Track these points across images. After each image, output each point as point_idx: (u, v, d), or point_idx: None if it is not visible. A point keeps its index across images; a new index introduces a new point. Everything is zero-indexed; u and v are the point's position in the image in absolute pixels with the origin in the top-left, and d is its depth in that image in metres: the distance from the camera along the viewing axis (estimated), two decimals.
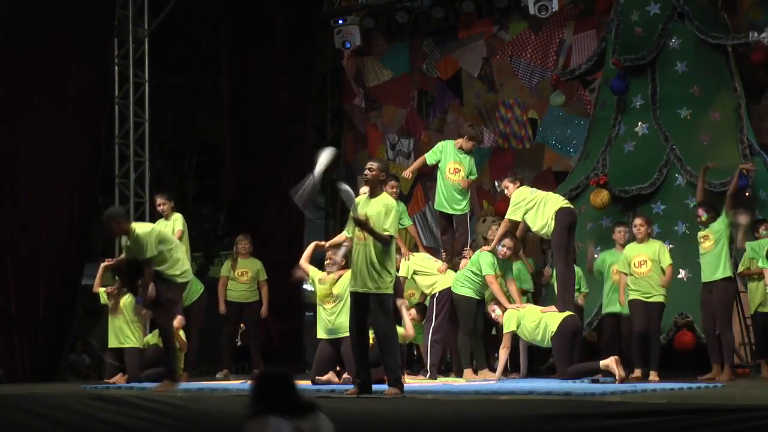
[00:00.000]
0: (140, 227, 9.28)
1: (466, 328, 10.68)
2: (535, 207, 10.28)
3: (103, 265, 11.25)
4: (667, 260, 10.23)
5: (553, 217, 10.09)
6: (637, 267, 10.21)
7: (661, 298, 10.23)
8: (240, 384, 10.20)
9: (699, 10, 12.15)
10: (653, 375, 10.01)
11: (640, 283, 10.20)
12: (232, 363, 12.80)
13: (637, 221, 10.37)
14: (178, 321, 11.21)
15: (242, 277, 12.32)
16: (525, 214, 10.31)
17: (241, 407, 7.99)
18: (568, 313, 9.94)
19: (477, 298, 10.71)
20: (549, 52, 14.52)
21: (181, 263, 9.43)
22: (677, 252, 11.35)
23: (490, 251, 10.52)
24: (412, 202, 15.37)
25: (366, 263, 8.07)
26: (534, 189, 10.54)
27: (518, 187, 10.45)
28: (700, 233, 10.32)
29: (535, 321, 10.00)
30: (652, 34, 12.17)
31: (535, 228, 10.34)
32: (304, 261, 9.97)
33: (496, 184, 13.14)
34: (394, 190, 10.43)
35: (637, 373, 10.01)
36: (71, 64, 11.91)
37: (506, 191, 10.59)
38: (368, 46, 15.74)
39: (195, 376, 11.83)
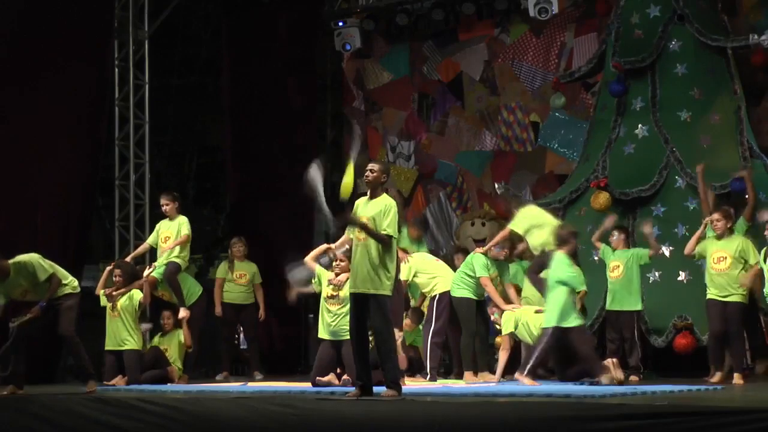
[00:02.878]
0: (19, 258, 9.50)
1: (470, 329, 10.67)
2: (541, 228, 10.30)
3: (108, 268, 11.25)
4: (750, 257, 9.93)
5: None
6: (715, 263, 10.00)
7: (739, 297, 9.97)
8: (240, 386, 10.20)
9: (699, 12, 12.14)
10: (738, 378, 9.83)
11: (717, 281, 10.00)
12: (231, 365, 12.80)
13: (715, 216, 10.15)
14: (182, 313, 11.23)
15: (240, 279, 12.35)
16: (528, 229, 10.33)
17: (241, 409, 8.01)
18: None
19: (476, 298, 10.72)
20: (550, 55, 14.50)
21: (68, 277, 9.71)
22: (677, 254, 11.34)
23: (483, 253, 10.52)
24: (412, 204, 15.37)
25: (365, 264, 8.05)
26: (545, 212, 10.59)
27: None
28: (716, 249, 10.16)
29: (533, 322, 10.00)
30: (652, 37, 12.16)
31: (531, 242, 10.38)
32: (309, 259, 9.95)
33: (497, 186, 13.15)
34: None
35: (717, 377, 9.91)
36: (71, 65, 11.91)
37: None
38: (368, 48, 15.73)
39: (195, 378, 11.82)
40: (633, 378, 10.32)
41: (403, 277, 10.73)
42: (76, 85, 11.96)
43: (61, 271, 9.73)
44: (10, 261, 9.47)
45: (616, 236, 10.83)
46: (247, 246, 12.44)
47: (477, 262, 10.66)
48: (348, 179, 8.25)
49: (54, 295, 9.51)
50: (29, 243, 11.45)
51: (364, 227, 8.08)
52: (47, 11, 11.76)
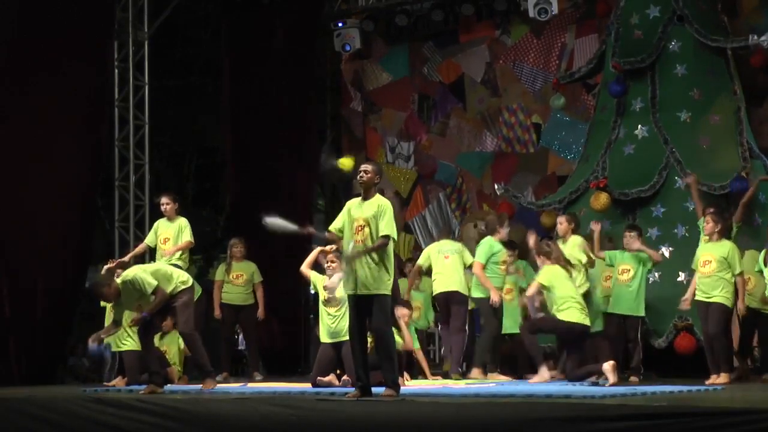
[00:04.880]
0: (124, 275, 9.44)
1: (492, 328, 10.72)
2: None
3: (106, 267, 11.23)
4: (736, 267, 9.84)
5: None
6: (701, 267, 9.98)
7: (720, 299, 9.86)
8: (239, 387, 10.20)
9: (699, 13, 12.15)
10: (723, 377, 9.77)
11: (702, 283, 9.96)
12: (231, 366, 12.80)
13: (708, 217, 10.11)
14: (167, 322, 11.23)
15: (237, 280, 12.33)
16: None
17: (241, 410, 8.02)
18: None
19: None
20: (551, 56, 14.53)
21: (175, 274, 9.54)
22: (676, 255, 11.35)
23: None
24: (411, 204, 15.38)
25: (365, 266, 8.03)
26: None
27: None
28: (703, 252, 10.13)
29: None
30: (651, 37, 12.17)
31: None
32: (305, 267, 9.98)
33: (496, 187, 13.16)
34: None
35: (712, 379, 9.89)
36: (71, 66, 11.89)
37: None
38: (367, 49, 15.75)
39: (195, 379, 11.82)
40: (633, 379, 10.33)
41: (420, 261, 11.25)
42: (76, 86, 11.93)
43: (168, 272, 9.59)
44: (118, 280, 9.43)
45: (634, 236, 10.73)
46: (246, 246, 12.43)
47: (480, 247, 10.70)
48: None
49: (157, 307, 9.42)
50: (33, 245, 11.48)
51: (362, 254, 8.04)
52: (47, 12, 11.74)
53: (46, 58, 11.72)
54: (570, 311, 9.75)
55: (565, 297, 9.81)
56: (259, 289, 12.39)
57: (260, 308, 12.39)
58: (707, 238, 10.14)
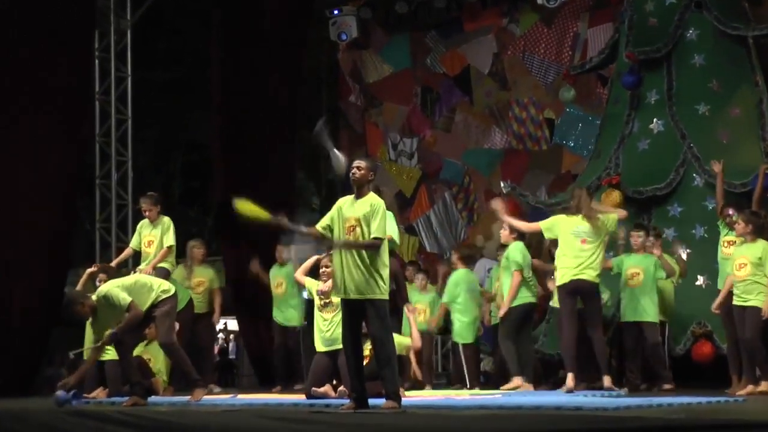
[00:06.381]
0: (99, 290, 9.43)
1: (511, 334, 10.80)
2: None
3: (88, 271, 11.21)
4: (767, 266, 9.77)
5: None
6: (737, 270, 9.93)
7: (757, 303, 9.79)
8: (229, 398, 10.19)
9: None
10: (765, 385, 9.73)
11: (737, 287, 9.92)
12: (219, 375, 12.75)
13: (738, 218, 10.06)
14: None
15: (198, 287, 12.18)
16: None
17: (230, 423, 7.99)
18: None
19: (535, 301, 10.88)
20: (563, 47, 14.50)
21: (155, 283, 9.53)
22: (695, 257, 11.32)
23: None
24: (415, 205, 15.35)
25: (357, 268, 7.98)
26: None
27: None
28: (738, 255, 10.06)
29: None
30: (667, 25, 12.14)
31: None
32: (300, 273, 10.04)
33: (502, 185, 13.14)
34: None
35: (743, 387, 9.85)
36: (49, 57, 11.88)
37: None
38: (365, 38, 15.72)
39: (181, 390, 11.80)
40: (667, 386, 10.32)
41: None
42: (54, 79, 11.92)
43: (147, 283, 9.56)
44: (94, 296, 9.41)
45: (641, 237, 10.71)
46: (206, 249, 12.36)
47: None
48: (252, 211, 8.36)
49: (128, 324, 9.36)
50: (9, 249, 11.47)
51: (349, 246, 8.01)
52: (29, 4, 11.73)
53: (23, 50, 11.73)
54: None
55: None
56: (217, 295, 12.25)
57: (216, 314, 12.27)
58: (741, 239, 10.07)
